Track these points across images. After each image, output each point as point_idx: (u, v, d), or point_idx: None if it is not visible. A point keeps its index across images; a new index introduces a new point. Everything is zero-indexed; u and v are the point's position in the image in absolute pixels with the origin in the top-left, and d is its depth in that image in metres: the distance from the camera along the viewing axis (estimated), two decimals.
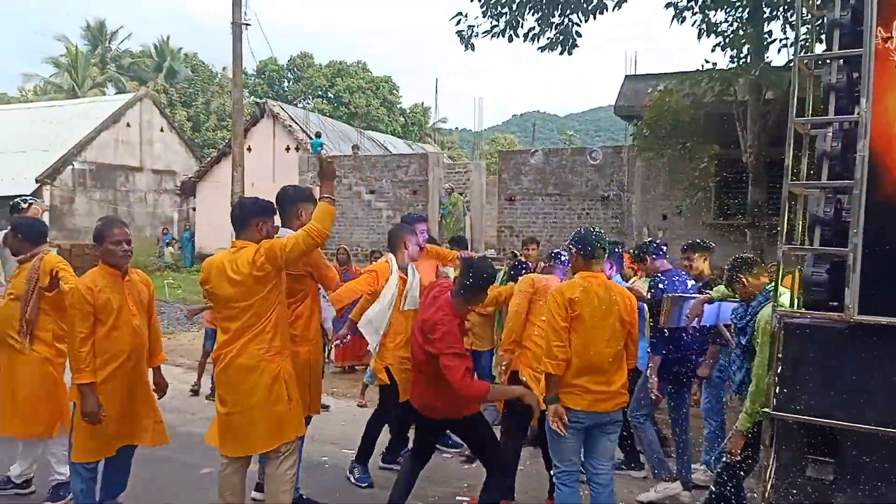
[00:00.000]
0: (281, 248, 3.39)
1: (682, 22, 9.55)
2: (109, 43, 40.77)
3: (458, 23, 10.16)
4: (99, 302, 3.65)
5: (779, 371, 3.09)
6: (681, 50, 14.83)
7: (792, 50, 9.48)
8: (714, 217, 12.30)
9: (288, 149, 21.30)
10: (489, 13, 9.94)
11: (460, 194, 17.40)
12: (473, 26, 10.22)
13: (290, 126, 21.69)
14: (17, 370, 4.21)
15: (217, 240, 15.55)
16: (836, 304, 3.29)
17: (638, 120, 12.03)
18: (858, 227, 2.93)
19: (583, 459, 3.82)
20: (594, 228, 3.88)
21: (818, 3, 3.36)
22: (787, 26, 9.42)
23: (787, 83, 9.50)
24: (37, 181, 21.89)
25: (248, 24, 15.15)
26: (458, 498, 4.71)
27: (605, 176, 13.68)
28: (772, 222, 10.47)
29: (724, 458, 3.81)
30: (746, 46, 9.49)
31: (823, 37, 3.24)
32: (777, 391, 3.08)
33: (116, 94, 33.49)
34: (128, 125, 24.75)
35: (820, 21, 3.45)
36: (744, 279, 3.89)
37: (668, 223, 12.70)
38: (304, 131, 21.85)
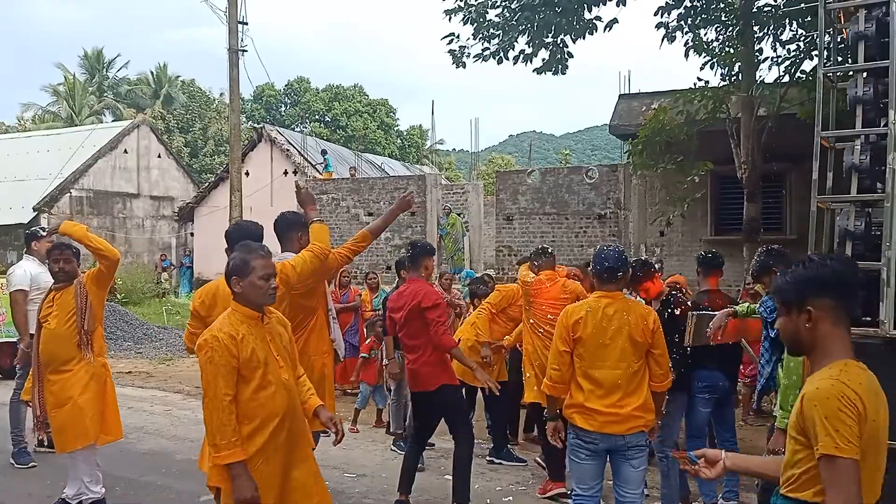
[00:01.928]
0: (291, 269, 3.60)
1: (671, 41, 9.65)
2: (107, 71, 41.09)
3: (451, 42, 10.26)
4: (244, 355, 2.88)
5: None
6: (674, 68, 14.99)
7: (783, 67, 9.64)
8: (711, 233, 12.33)
9: (286, 173, 21.38)
10: (481, 35, 10.04)
11: (458, 215, 17.44)
12: (465, 47, 10.32)
13: (288, 150, 21.80)
14: (79, 380, 4.36)
15: (215, 265, 15.52)
16: (868, 318, 3.19)
17: (633, 138, 12.10)
18: (892, 241, 2.87)
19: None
20: (614, 247, 3.81)
21: (838, 16, 3.28)
22: (777, 44, 9.53)
23: (778, 100, 9.62)
24: (34, 209, 21.91)
25: (244, 50, 15.29)
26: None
27: (602, 194, 13.72)
28: (767, 238, 10.51)
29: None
30: (738, 64, 9.59)
31: (846, 50, 3.18)
32: None
33: (114, 121, 33.65)
34: (125, 152, 24.84)
35: (840, 35, 3.40)
36: (776, 271, 3.77)
37: (666, 240, 12.72)
38: (302, 155, 21.96)
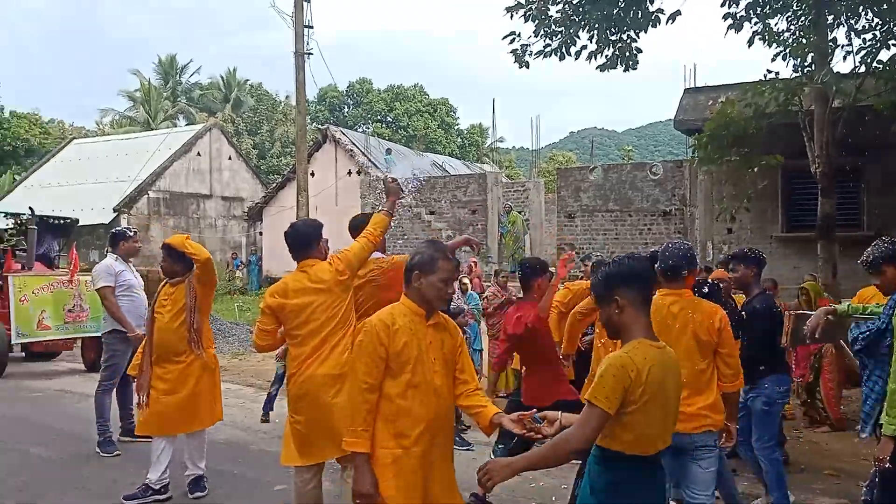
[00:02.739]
0: (353, 255, 3.85)
1: (738, 31, 9.35)
2: (180, 76, 42.78)
3: (512, 41, 10.21)
4: (394, 346, 2.76)
5: None
6: (739, 62, 14.53)
7: (858, 57, 9.24)
8: (782, 230, 11.94)
9: (350, 173, 21.80)
10: (542, 32, 9.95)
11: (519, 212, 17.42)
12: (527, 45, 10.23)
13: (352, 150, 22.22)
14: (193, 372, 4.71)
15: (283, 263, 16.00)
16: None
17: (698, 133, 11.83)
18: None
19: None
20: (680, 244, 3.70)
21: None
22: (852, 33, 9.14)
23: (854, 91, 9.23)
24: (115, 210, 23.07)
25: (310, 53, 15.66)
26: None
27: (667, 190, 13.47)
28: (842, 235, 10.09)
29: (874, 470, 3.52)
30: (810, 55, 9.25)
31: None
32: None
33: (187, 125, 35.04)
34: (198, 154, 25.85)
35: None
36: (886, 269, 3.66)
37: (734, 236, 12.39)
38: (365, 155, 22.34)
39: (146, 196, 24.09)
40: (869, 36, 9.08)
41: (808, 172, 9.66)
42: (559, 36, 9.78)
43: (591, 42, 9.92)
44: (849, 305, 4.12)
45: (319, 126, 27.80)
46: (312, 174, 20.26)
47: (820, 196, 9.46)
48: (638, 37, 9.77)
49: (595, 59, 9.99)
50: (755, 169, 9.96)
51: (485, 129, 46.65)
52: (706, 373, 3.52)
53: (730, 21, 9.45)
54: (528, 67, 10.40)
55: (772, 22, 9.44)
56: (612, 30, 9.71)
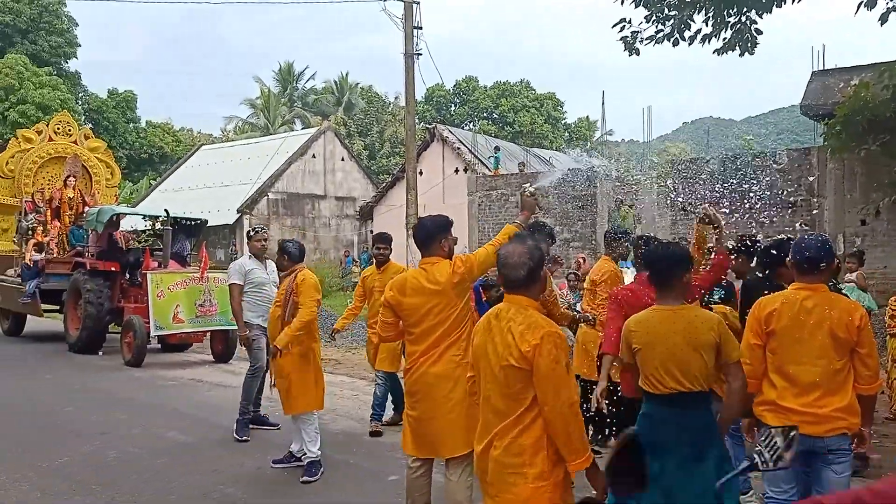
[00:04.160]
0: (477, 260, 3.75)
1: (871, 8, 8.60)
2: (297, 83, 44.82)
3: (622, 29, 9.92)
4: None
5: None
6: (871, 42, 13.38)
7: None
8: None
9: (457, 171, 22.02)
10: (654, 17, 9.60)
11: (630, 207, 16.93)
12: (638, 31, 9.90)
13: (459, 149, 22.42)
14: (292, 359, 5.11)
15: (394, 259, 16.43)
16: None
17: (829, 118, 11.01)
18: None
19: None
20: (816, 236, 3.53)
21: None
22: None
23: None
24: (238, 211, 24.50)
25: (419, 54, 15.93)
26: None
27: (792, 181, 12.64)
28: None
29: None
30: None
31: None
32: None
33: (303, 129, 36.65)
34: (313, 157, 26.99)
35: None
36: None
37: (869, 229, 11.43)
38: (473, 153, 22.47)
39: (266, 197, 25.42)
40: None
41: None
42: (672, 20, 9.41)
43: (706, 25, 9.49)
44: None
45: (427, 125, 28.25)
46: (421, 173, 20.62)
47: None
48: (761, 16, 9.24)
49: (709, 42, 9.55)
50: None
51: (593, 122, 45.70)
52: (842, 373, 3.28)
53: None
54: (638, 55, 10.08)
55: None
56: (731, 11, 9.22)
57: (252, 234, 6.25)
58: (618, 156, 42.58)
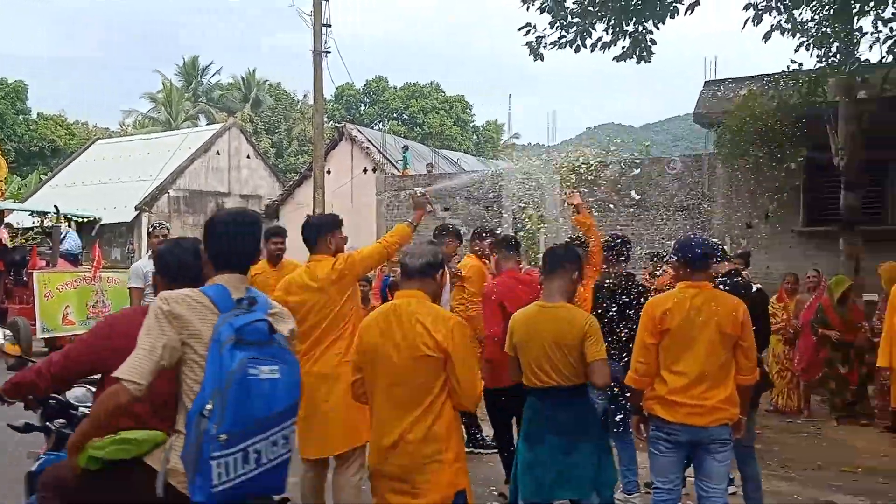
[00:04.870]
0: (359, 258, 3.76)
1: (757, 24, 9.20)
2: (201, 78, 43.16)
3: (527, 33, 10.17)
4: None
5: None
6: (759, 53, 14.32)
7: (885, 47, 9.05)
8: (803, 224, 11.76)
9: (365, 170, 21.83)
10: (558, 23, 9.90)
11: (535, 209, 17.35)
12: (542, 37, 10.19)
13: (368, 148, 22.24)
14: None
15: (299, 258, 16.12)
16: None
17: (719, 126, 11.69)
18: None
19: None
20: (698, 235, 3.71)
21: None
22: (879, 21, 8.95)
23: (881, 81, 9.05)
24: (136, 209, 23.32)
25: (328, 52, 15.70)
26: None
27: (685, 186, 13.33)
28: (866, 229, 9.92)
29: None
30: (835, 44, 9.07)
31: None
32: None
33: (207, 125, 35.33)
34: (217, 153, 26.06)
35: None
36: None
37: (754, 232, 12.22)
38: (381, 153, 22.36)
39: (167, 194, 24.33)
40: None
41: (831, 165, 9.52)
42: (575, 27, 9.71)
43: (606, 34, 9.86)
44: None
45: (336, 124, 27.91)
46: (329, 172, 20.31)
47: (843, 189, 9.33)
48: (657, 27, 9.68)
49: (609, 49, 9.92)
50: (793, 166, 9.81)
51: (500, 126, 46.53)
52: (726, 366, 3.48)
53: (751, 12, 9.31)
54: (542, 60, 10.33)
55: (795, 12, 9.27)
56: (629, 21, 9.62)
57: (151, 230, 5.99)
58: (524, 159, 43.54)
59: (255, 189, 27.20)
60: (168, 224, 6.72)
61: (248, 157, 27.12)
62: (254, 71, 43.02)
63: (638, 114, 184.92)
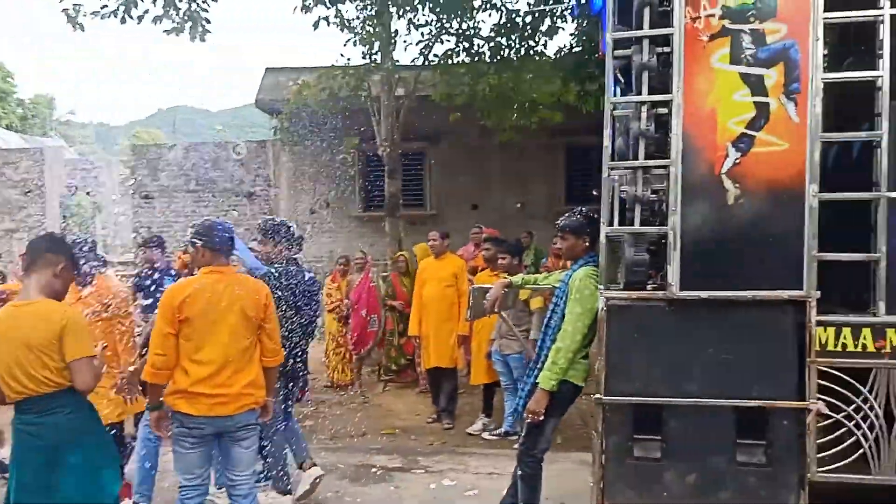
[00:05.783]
0: None
1: (306, 12, 9.45)
2: None
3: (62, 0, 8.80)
4: None
5: (606, 356, 3.20)
6: (324, 44, 14.98)
7: (417, 49, 10.14)
8: (360, 209, 12.66)
9: None
10: None
11: (88, 193, 15.28)
12: (80, 5, 8.93)
13: None
14: None
15: None
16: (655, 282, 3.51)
17: (279, 114, 11.79)
18: (677, 206, 3.09)
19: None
20: (219, 220, 3.66)
21: None
22: (411, 26, 9.95)
23: (413, 81, 10.12)
24: None
25: None
26: None
27: (251, 171, 13.17)
28: (408, 214, 11.12)
29: (527, 424, 3.63)
30: (377, 43, 9.80)
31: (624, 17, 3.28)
32: (606, 376, 3.21)
33: None
34: None
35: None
36: (568, 237, 3.73)
37: (317, 217, 12.71)
38: None
39: None
40: (426, 30, 10.01)
41: (379, 155, 10.32)
42: None
43: (154, 5, 9.04)
44: (522, 278, 4.33)
45: None
46: None
47: (387, 177, 10.20)
48: (208, 7, 9.21)
49: (160, 22, 9.11)
50: (348, 158, 10.32)
51: (52, 100, 40.35)
52: (249, 350, 3.46)
53: (300, 2, 9.46)
54: (83, 30, 9.13)
55: (342, 8, 9.72)
56: None
57: None
58: (84, 138, 38.51)
59: None
60: None
61: None
62: None
63: (218, 98, 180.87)
